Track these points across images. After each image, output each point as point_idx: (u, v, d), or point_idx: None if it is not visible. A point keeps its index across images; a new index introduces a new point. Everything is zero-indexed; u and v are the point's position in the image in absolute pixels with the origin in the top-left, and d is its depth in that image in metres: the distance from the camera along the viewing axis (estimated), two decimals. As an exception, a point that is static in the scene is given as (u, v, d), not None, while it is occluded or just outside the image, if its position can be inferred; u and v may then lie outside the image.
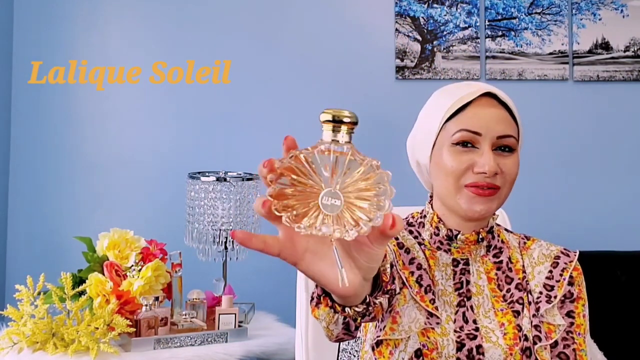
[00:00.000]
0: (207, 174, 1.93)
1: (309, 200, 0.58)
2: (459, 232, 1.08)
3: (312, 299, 0.84)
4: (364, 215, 0.58)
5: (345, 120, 0.60)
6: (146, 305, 1.63)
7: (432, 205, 1.13)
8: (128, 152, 2.29)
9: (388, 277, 0.78)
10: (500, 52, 2.31)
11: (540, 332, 1.04)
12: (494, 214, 1.12)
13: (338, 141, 0.60)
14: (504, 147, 1.06)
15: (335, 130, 0.60)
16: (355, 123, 0.61)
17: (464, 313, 1.06)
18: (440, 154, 1.07)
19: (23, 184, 2.28)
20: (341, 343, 1.38)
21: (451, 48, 2.31)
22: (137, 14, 2.31)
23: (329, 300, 0.78)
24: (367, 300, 0.74)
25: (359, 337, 1.32)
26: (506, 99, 1.08)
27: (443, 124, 1.07)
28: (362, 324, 0.86)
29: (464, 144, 1.05)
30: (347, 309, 0.75)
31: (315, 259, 0.63)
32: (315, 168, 0.59)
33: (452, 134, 1.05)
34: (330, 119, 0.60)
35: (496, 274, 1.09)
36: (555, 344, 1.05)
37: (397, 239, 1.10)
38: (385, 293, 0.77)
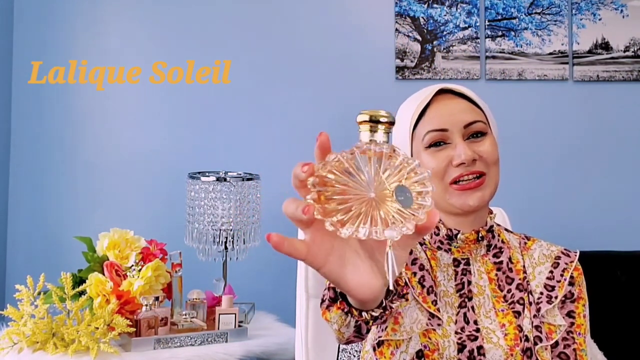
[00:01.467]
0: (207, 174, 1.93)
1: (352, 203, 0.57)
2: (459, 231, 1.08)
3: (323, 301, 0.83)
4: (404, 218, 0.58)
5: (382, 120, 0.60)
6: (146, 305, 1.63)
7: (430, 206, 1.14)
8: (128, 152, 2.29)
9: (403, 280, 0.78)
10: (500, 52, 2.31)
11: (541, 332, 1.04)
12: (491, 213, 1.12)
13: (376, 141, 0.60)
14: (475, 133, 1.08)
15: (373, 131, 0.60)
16: (392, 123, 0.60)
17: (465, 314, 1.06)
18: (419, 160, 1.08)
19: (23, 184, 2.28)
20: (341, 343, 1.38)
21: (451, 48, 2.31)
22: (137, 14, 2.31)
23: (345, 305, 0.77)
24: (384, 304, 0.74)
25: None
26: (462, 90, 1.11)
27: (412, 133, 1.10)
28: (374, 325, 0.86)
29: (436, 144, 1.07)
30: (363, 314, 0.75)
31: (339, 263, 0.63)
32: (357, 170, 0.58)
33: (422, 139, 1.08)
34: (367, 119, 0.60)
35: (496, 275, 1.10)
36: (555, 344, 1.05)
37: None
38: (401, 297, 0.77)
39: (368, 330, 0.86)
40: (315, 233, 0.61)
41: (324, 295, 0.83)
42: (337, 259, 0.63)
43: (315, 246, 0.62)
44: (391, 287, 0.60)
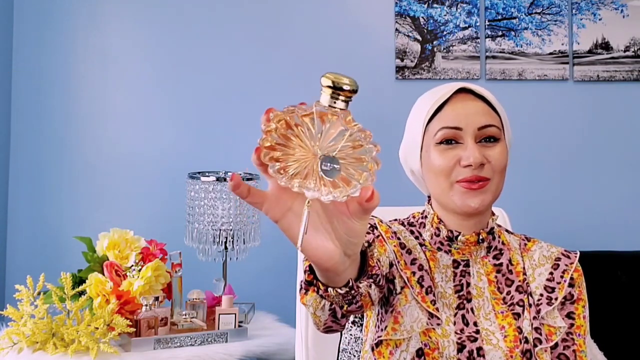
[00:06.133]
0: (207, 174, 1.93)
1: (294, 155, 0.59)
2: (460, 233, 1.08)
3: (301, 287, 0.84)
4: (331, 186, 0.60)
5: (345, 88, 0.61)
6: (146, 305, 1.63)
7: (431, 205, 1.14)
8: (128, 151, 2.29)
9: (374, 262, 0.79)
10: (500, 52, 2.31)
11: (540, 334, 1.04)
12: (493, 215, 1.12)
13: (333, 107, 0.61)
14: (488, 137, 1.07)
15: (333, 97, 0.61)
16: (355, 91, 0.61)
17: (463, 315, 1.06)
18: (428, 156, 1.09)
19: (23, 184, 2.28)
20: (341, 343, 1.38)
21: (451, 48, 2.31)
22: (137, 14, 2.31)
23: (313, 278, 0.78)
24: (350, 284, 0.74)
25: (359, 337, 1.32)
26: (483, 92, 1.10)
27: (426, 127, 1.09)
28: (350, 313, 0.87)
29: (447, 141, 1.07)
30: (330, 290, 0.75)
31: (296, 221, 0.63)
32: (306, 128, 0.60)
33: (435, 134, 1.08)
34: (330, 84, 0.61)
35: (496, 277, 1.09)
36: (555, 346, 1.05)
37: (399, 239, 1.10)
38: (369, 278, 0.78)
39: (343, 316, 0.86)
40: (276, 186, 0.63)
41: (301, 282, 0.84)
42: (296, 216, 0.63)
43: (274, 198, 0.63)
44: (298, 247, 0.61)
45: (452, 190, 1.06)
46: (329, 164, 0.59)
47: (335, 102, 0.61)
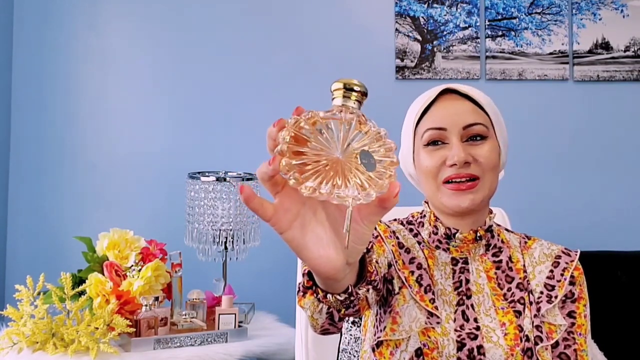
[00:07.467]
0: (207, 174, 1.93)
1: (316, 161, 0.59)
2: (457, 230, 1.08)
3: (299, 290, 0.85)
4: (367, 183, 0.59)
5: (356, 88, 0.63)
6: (146, 305, 1.63)
7: (428, 205, 1.14)
8: (128, 152, 2.29)
9: (373, 267, 0.79)
10: (500, 52, 2.31)
11: (541, 332, 1.04)
12: (491, 213, 1.12)
13: (348, 107, 0.62)
14: (474, 136, 1.08)
15: (345, 98, 0.63)
16: (365, 93, 0.63)
17: (463, 311, 1.06)
18: (419, 158, 1.10)
19: (23, 184, 2.28)
20: (341, 343, 1.38)
21: (451, 48, 2.31)
22: (137, 14, 2.31)
23: (311, 283, 0.78)
24: (350, 290, 0.74)
25: (359, 337, 1.32)
26: (468, 91, 1.11)
27: (415, 130, 1.11)
28: (347, 317, 0.87)
29: (434, 142, 1.08)
30: (329, 296, 0.75)
31: (302, 231, 0.63)
32: (324, 131, 0.60)
33: (422, 136, 1.09)
34: (341, 87, 0.63)
35: (495, 273, 1.10)
36: (556, 344, 1.05)
37: (397, 238, 1.10)
38: (368, 284, 0.78)
39: (341, 319, 0.87)
40: (284, 197, 0.63)
41: (299, 284, 0.84)
42: (301, 226, 0.63)
43: (282, 210, 0.63)
44: (346, 246, 0.61)
45: (439, 192, 1.07)
46: (366, 159, 0.59)
47: (347, 102, 0.62)
